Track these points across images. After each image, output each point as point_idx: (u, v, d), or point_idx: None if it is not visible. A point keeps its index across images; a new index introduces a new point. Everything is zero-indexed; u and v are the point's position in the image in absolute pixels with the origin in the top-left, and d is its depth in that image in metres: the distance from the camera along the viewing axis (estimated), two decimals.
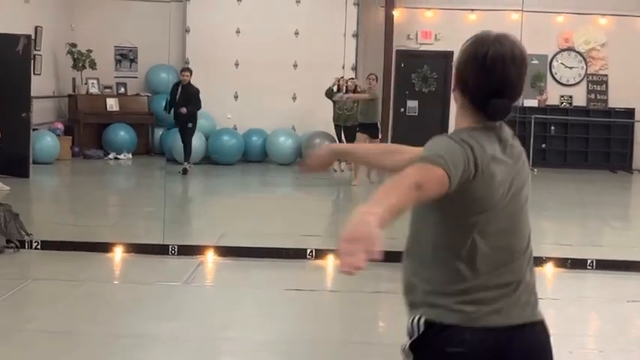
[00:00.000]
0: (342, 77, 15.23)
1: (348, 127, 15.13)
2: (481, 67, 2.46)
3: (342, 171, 15.08)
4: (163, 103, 14.55)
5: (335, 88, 15.14)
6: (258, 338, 5.72)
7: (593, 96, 17.47)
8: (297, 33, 16.60)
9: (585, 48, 17.42)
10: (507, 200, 2.47)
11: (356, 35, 16.55)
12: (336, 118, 15.17)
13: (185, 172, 13.80)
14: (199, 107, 14.21)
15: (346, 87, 15.05)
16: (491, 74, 2.44)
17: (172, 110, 13.99)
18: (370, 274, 7.45)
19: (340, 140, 15.19)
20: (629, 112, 17.28)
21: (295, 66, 16.62)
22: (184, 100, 13.81)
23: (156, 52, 16.51)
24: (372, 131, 13.75)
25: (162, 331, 5.74)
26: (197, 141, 15.38)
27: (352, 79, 15.34)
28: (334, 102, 15.13)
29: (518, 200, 2.52)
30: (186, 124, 13.91)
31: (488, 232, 2.45)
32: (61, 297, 6.51)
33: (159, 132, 16.46)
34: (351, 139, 15.28)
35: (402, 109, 17.35)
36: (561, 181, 15.01)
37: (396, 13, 16.75)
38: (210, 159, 15.65)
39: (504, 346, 2.44)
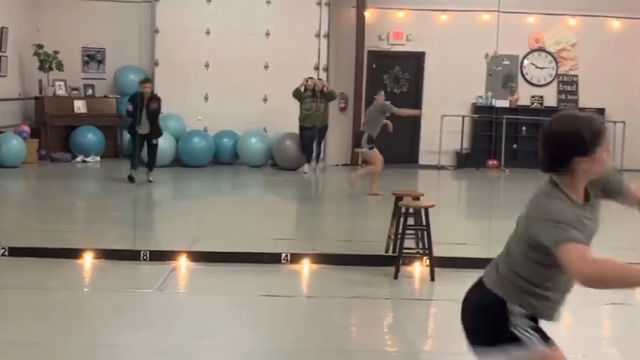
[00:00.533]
0: (311, 77, 15.14)
1: (313, 128, 15.05)
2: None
3: (306, 173, 14.98)
4: (126, 109, 13.31)
5: (302, 89, 15.05)
6: (235, 347, 5.58)
7: (563, 96, 17.52)
8: (267, 34, 16.46)
9: (556, 48, 17.47)
10: None
11: (327, 36, 16.45)
12: (302, 119, 15.07)
13: (149, 180, 12.99)
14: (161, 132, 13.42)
15: (314, 87, 14.98)
16: None
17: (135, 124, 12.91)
18: (346, 278, 7.39)
19: (304, 141, 15.08)
20: (600, 112, 17.31)
21: (266, 67, 16.48)
22: (151, 117, 12.83)
23: (124, 53, 16.33)
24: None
25: (135, 340, 5.58)
26: (167, 143, 15.19)
27: (320, 79, 15.23)
28: (301, 102, 15.03)
29: None
30: (150, 139, 13.03)
31: None
32: (30, 306, 6.32)
33: (127, 134, 16.20)
34: (318, 140, 15.19)
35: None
36: (533, 181, 14.69)
37: (368, 13, 16.69)
38: (180, 161, 15.47)
39: None
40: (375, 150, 12.55)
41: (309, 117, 15.09)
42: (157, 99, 13.02)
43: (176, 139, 15.50)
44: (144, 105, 12.75)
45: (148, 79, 13.46)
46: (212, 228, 9.65)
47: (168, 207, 11.48)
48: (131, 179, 12.81)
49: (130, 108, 12.87)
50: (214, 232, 9.37)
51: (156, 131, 13.04)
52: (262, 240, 8.92)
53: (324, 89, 15.17)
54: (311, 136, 15.16)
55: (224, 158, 16.02)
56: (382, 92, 13.38)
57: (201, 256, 7.80)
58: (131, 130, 13.11)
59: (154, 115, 12.87)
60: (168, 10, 16.34)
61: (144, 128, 12.85)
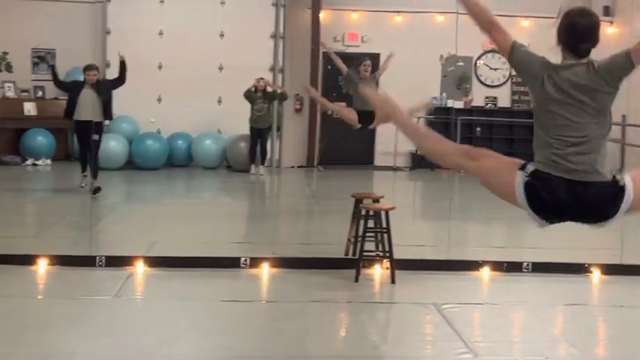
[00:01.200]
0: (262, 78, 15.07)
1: (262, 129, 14.97)
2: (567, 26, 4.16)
3: (262, 175, 14.89)
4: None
5: (253, 89, 14.97)
6: (196, 355, 5.47)
7: (517, 97, 17.67)
8: (222, 35, 16.33)
9: None
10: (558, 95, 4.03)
11: (282, 37, 16.36)
12: (254, 121, 14.99)
13: (97, 190, 11.49)
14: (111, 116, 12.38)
15: (261, 87, 14.91)
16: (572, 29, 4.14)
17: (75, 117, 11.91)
18: (306, 282, 7.31)
19: (255, 143, 14.99)
20: None
21: (220, 68, 16.35)
22: (97, 105, 11.71)
23: (75, 54, 16.01)
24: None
25: (92, 349, 5.43)
26: (119, 146, 14.99)
27: (262, 78, 15.09)
28: (252, 104, 14.94)
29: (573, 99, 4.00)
30: (90, 135, 11.68)
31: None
32: None
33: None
34: (264, 141, 15.11)
35: (330, 112, 17.17)
36: None
37: (323, 14, 16.65)
38: (133, 164, 15.26)
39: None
40: None
41: (260, 118, 15.00)
42: (107, 83, 12.19)
43: (129, 142, 15.30)
44: (91, 94, 11.75)
45: (94, 66, 12.19)
46: (169, 232, 9.49)
47: (122, 211, 11.26)
48: (96, 190, 11.49)
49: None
50: (171, 236, 9.22)
51: (98, 127, 11.71)
52: (220, 244, 8.81)
53: (266, 89, 15.08)
54: (258, 137, 15.10)
55: (178, 160, 15.84)
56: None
57: (158, 262, 7.65)
58: (79, 136, 12.07)
59: (103, 103, 11.74)
60: (119, 10, 16.12)
61: (90, 116, 11.65)
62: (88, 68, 11.94)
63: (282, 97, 15.60)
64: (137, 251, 7.94)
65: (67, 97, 12.16)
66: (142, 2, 16.26)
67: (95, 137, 11.69)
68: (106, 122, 12.51)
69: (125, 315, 6.31)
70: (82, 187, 11.84)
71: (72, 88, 12.02)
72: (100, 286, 7.07)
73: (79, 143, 12.18)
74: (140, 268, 7.52)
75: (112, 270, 7.44)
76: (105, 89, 11.93)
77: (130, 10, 16.13)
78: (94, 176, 11.76)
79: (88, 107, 11.70)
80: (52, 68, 12.58)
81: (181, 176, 15.05)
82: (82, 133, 11.85)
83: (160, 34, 16.24)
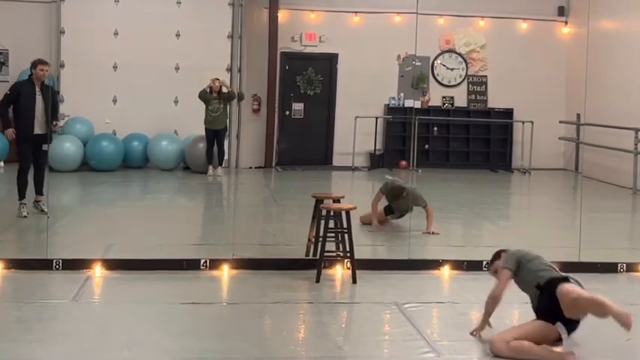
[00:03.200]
0: (217, 79, 14.97)
1: (218, 130, 14.88)
2: None
3: (219, 176, 14.80)
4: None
5: (208, 90, 14.87)
6: (158, 358, 5.39)
7: (473, 97, 17.77)
8: (178, 35, 16.19)
9: (465, 50, 17.72)
10: None
11: (240, 37, 16.28)
12: (209, 122, 14.89)
13: (43, 211, 10.05)
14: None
15: (216, 88, 14.82)
16: None
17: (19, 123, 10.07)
18: (267, 283, 7.26)
19: (212, 144, 14.87)
20: (508, 113, 17.67)
21: (177, 68, 16.21)
22: (45, 107, 10.02)
23: (28, 54, 15.54)
24: None
25: (51, 354, 5.34)
26: (74, 147, 14.78)
27: (217, 79, 14.98)
28: (207, 104, 14.85)
29: None
30: (40, 145, 10.08)
31: None
32: None
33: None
34: (221, 142, 15.01)
35: (288, 112, 17.18)
36: (445, 182, 15.17)
37: (280, 14, 16.59)
38: (88, 165, 15.05)
39: None
40: None
41: (216, 119, 14.90)
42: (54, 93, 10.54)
43: (84, 143, 15.08)
44: (36, 95, 10.00)
45: (44, 61, 10.20)
46: (126, 234, 9.37)
47: (78, 213, 11.08)
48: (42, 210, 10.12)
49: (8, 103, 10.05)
50: (129, 238, 9.11)
51: (45, 135, 10.08)
52: (179, 246, 8.74)
53: (222, 89, 14.99)
54: (214, 138, 14.99)
55: (134, 162, 15.66)
56: None
57: (116, 264, 7.56)
58: (20, 135, 10.07)
59: (52, 105, 10.15)
60: (74, 10, 15.89)
61: (38, 127, 10.03)
62: (39, 62, 10.04)
63: (239, 97, 15.56)
64: (94, 254, 7.84)
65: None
66: (97, 2, 16.04)
67: (45, 147, 10.14)
68: (58, 124, 11.12)
69: (83, 319, 6.20)
70: (25, 216, 9.99)
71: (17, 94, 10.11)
72: (57, 289, 6.96)
73: (25, 158, 10.21)
74: (98, 270, 7.41)
75: (69, 273, 7.34)
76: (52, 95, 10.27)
77: (84, 9, 15.91)
78: (41, 191, 10.28)
79: (37, 116, 10.03)
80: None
81: (137, 178, 14.87)
82: (32, 146, 10.11)
83: (115, 34, 16.04)
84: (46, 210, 9.94)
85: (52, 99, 10.21)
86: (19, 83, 10.62)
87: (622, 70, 15.51)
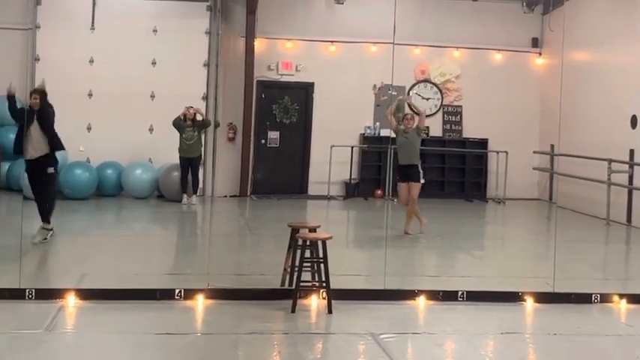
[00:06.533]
0: (191, 107, 14.98)
1: (192, 158, 14.88)
2: None
3: (194, 205, 14.75)
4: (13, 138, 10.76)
5: (182, 117, 14.87)
6: None
7: (448, 126, 17.88)
8: (154, 63, 16.18)
9: (441, 80, 17.85)
10: None
11: (216, 65, 16.28)
12: (184, 150, 14.87)
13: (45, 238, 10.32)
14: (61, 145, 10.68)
15: (190, 116, 14.83)
16: None
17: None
18: (242, 313, 7.21)
19: (186, 173, 14.86)
20: (483, 143, 17.79)
21: (152, 96, 16.18)
22: (42, 130, 10.29)
23: (2, 81, 15.60)
24: (413, 175, 12.10)
25: None
26: None
27: (191, 107, 14.99)
28: (181, 132, 14.84)
29: None
30: (44, 168, 10.37)
31: None
32: None
33: (5, 166, 15.51)
34: (195, 171, 14.99)
35: (263, 141, 17.18)
36: (420, 211, 15.14)
37: (257, 43, 16.63)
38: (61, 194, 14.91)
39: None
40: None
41: (190, 147, 14.89)
42: (49, 110, 10.52)
43: (57, 172, 14.92)
44: (32, 121, 10.20)
45: (36, 90, 10.66)
46: (100, 264, 9.29)
47: (52, 242, 10.95)
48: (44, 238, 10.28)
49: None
50: (102, 268, 9.03)
51: (50, 157, 10.37)
52: (153, 276, 8.69)
53: (196, 117, 14.99)
54: (189, 167, 14.98)
55: (108, 190, 15.56)
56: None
57: (90, 294, 7.47)
58: (29, 170, 10.46)
59: (48, 131, 10.31)
60: (49, 37, 15.86)
61: (33, 152, 10.29)
62: (32, 92, 10.48)
63: (214, 125, 15.59)
64: (68, 283, 7.76)
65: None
66: (73, 29, 16.00)
67: (50, 170, 10.39)
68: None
69: (57, 349, 6.12)
70: (35, 243, 10.11)
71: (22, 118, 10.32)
72: (30, 319, 6.86)
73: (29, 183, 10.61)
74: (71, 300, 7.32)
75: (43, 303, 7.24)
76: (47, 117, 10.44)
77: (60, 37, 15.88)
78: (48, 219, 10.44)
79: (32, 140, 10.25)
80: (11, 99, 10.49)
81: (111, 206, 14.77)
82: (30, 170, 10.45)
83: (91, 61, 16.01)
84: (46, 238, 10.27)
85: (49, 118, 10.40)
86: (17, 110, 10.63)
87: (595, 101, 15.69)
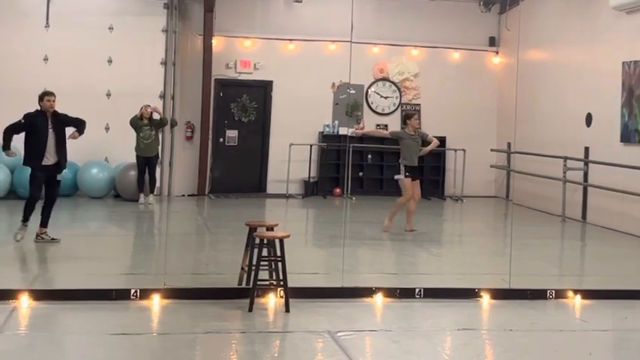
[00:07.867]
0: (148, 105, 14.87)
1: (150, 157, 14.78)
2: None
3: (151, 204, 14.65)
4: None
5: (139, 116, 14.76)
6: None
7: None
8: (110, 60, 16.02)
9: (399, 78, 17.91)
10: None
11: (173, 63, 16.17)
12: (141, 149, 14.76)
13: (54, 239, 10.43)
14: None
15: (147, 115, 14.72)
16: None
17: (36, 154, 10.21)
18: (199, 313, 7.15)
19: (143, 172, 14.76)
20: (441, 141, 17.81)
21: (108, 95, 16.02)
22: (56, 139, 10.24)
23: None
24: (419, 173, 12.94)
25: None
26: (1, 175, 14.48)
27: (148, 105, 14.89)
28: (137, 132, 14.72)
29: None
30: (54, 175, 10.37)
31: None
32: None
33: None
34: (152, 170, 14.88)
35: (222, 139, 17.10)
36: (378, 209, 15.18)
37: (215, 41, 16.54)
38: (16, 194, 14.70)
39: None
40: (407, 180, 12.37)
41: (148, 146, 14.77)
42: (64, 115, 10.48)
43: (11, 171, 14.74)
44: (49, 127, 10.17)
45: (50, 92, 10.55)
46: (54, 264, 9.18)
47: (4, 242, 10.79)
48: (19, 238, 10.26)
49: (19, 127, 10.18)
50: (56, 268, 8.92)
51: (63, 161, 10.42)
52: (109, 276, 8.59)
53: (153, 116, 14.89)
54: (146, 166, 14.87)
55: (63, 190, 15.13)
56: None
57: (43, 294, 7.37)
58: (32, 165, 10.29)
59: (64, 138, 10.33)
60: (2, 35, 15.61)
61: (51, 158, 10.22)
62: (45, 94, 10.42)
63: (172, 124, 15.48)
64: (21, 284, 7.65)
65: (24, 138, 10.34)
66: (26, 27, 15.78)
67: (59, 177, 10.47)
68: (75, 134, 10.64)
69: (9, 351, 6.01)
70: (18, 240, 10.21)
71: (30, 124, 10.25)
72: None
73: (37, 187, 10.40)
74: (25, 301, 7.21)
75: None
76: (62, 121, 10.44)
77: (13, 34, 15.64)
78: (45, 224, 10.48)
79: (49, 149, 10.21)
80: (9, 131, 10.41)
81: (66, 206, 14.53)
82: (44, 177, 10.35)
83: (45, 59, 15.80)
84: (55, 238, 10.40)
85: (68, 121, 10.46)
86: (31, 115, 10.43)
87: (551, 100, 15.85)
